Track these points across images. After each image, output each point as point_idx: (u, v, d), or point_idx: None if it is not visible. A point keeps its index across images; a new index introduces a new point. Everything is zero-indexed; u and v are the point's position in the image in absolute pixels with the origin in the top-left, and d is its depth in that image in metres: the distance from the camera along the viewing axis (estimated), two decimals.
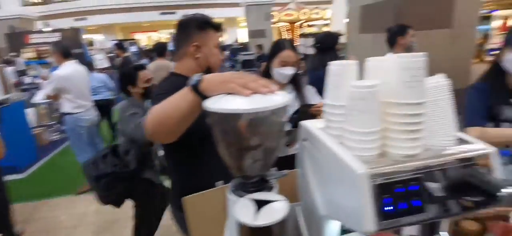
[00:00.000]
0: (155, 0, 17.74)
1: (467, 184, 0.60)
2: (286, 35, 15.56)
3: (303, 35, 8.28)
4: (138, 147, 1.98)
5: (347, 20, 3.70)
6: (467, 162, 0.62)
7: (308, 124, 0.84)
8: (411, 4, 2.76)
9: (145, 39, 20.06)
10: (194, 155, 1.17)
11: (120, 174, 1.95)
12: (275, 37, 16.70)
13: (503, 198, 0.53)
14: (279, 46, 1.73)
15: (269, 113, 0.69)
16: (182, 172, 1.25)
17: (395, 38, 2.65)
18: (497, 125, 1.40)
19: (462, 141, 0.68)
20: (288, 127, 1.52)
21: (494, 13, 14.21)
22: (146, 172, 2.10)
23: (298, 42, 8.69)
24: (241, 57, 6.22)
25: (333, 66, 0.70)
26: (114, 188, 1.96)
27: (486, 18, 13.72)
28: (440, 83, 0.66)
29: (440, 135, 0.65)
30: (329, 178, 0.71)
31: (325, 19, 15.25)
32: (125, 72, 2.22)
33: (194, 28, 1.24)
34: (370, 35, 3.25)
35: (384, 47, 2.98)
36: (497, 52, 1.46)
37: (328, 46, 2.71)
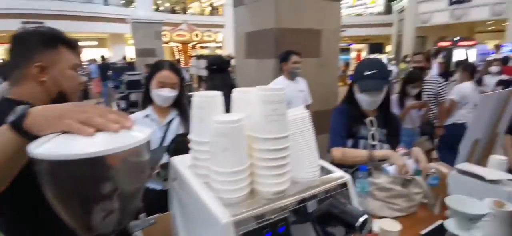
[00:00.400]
0: (15, 6, 14.53)
1: (330, 215, 0.61)
2: (178, 56, 15.26)
3: (195, 56, 8.26)
4: None
5: (234, 45, 3.85)
6: (331, 192, 0.64)
7: (177, 161, 0.74)
8: (287, 34, 3.07)
9: (2, 52, 16.15)
10: (28, 213, 0.90)
11: None
12: (167, 57, 16.15)
13: (359, 228, 0.56)
14: (157, 66, 1.61)
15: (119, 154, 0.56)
16: None
17: (280, 64, 2.89)
18: (356, 141, 1.62)
19: (324, 170, 0.70)
20: (164, 160, 1.39)
21: (352, 46, 17.70)
22: None
23: (190, 63, 8.58)
24: (126, 77, 5.66)
25: (196, 98, 0.64)
26: None
27: (346, 50, 16.96)
28: (302, 114, 0.68)
29: (305, 167, 0.66)
30: (196, 224, 0.62)
31: (217, 42, 15.75)
32: None
33: (37, 45, 0.99)
34: (255, 60, 3.45)
35: (269, 72, 3.21)
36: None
37: (220, 68, 2.70)
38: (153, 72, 1.60)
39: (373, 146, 1.61)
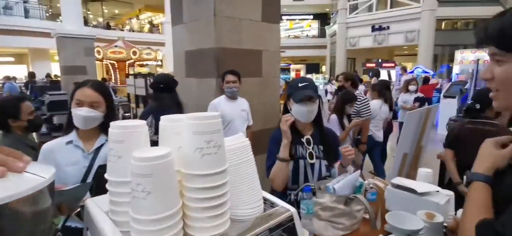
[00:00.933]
0: None
1: None
2: (113, 73, 14.24)
3: (133, 75, 7.73)
4: None
5: (173, 63, 3.68)
6: (276, 230, 0.56)
7: (91, 204, 0.60)
8: (228, 54, 3.04)
9: None
10: None
11: None
12: (100, 76, 14.92)
13: None
14: (78, 84, 1.41)
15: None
16: None
17: (222, 84, 2.82)
18: (296, 163, 1.62)
19: (266, 201, 0.64)
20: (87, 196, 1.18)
21: (291, 66, 18.64)
22: None
23: (126, 82, 8.02)
24: (48, 97, 4.99)
25: (113, 129, 0.52)
26: None
27: (286, 70, 17.80)
28: (242, 143, 0.60)
29: (247, 203, 0.59)
30: None
31: (157, 60, 15.14)
32: None
33: None
34: (195, 79, 3.33)
35: (210, 92, 3.12)
36: None
37: (168, 87, 2.51)
38: (74, 91, 1.39)
39: (312, 165, 1.62)
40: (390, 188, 1.42)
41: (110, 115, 1.41)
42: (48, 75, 12.20)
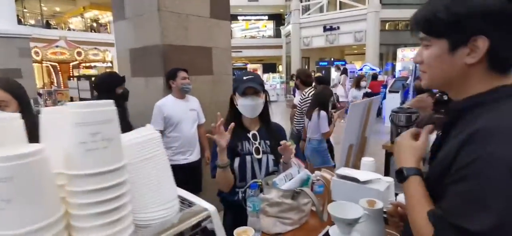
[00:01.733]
0: None
1: None
2: (55, 77, 13.04)
3: (76, 77, 7.11)
4: None
5: (117, 63, 3.43)
6: (190, 232, 0.49)
7: None
8: (175, 52, 2.90)
9: None
10: None
11: None
12: (38, 79, 13.54)
13: None
14: None
15: None
16: None
17: (168, 83, 2.66)
18: (242, 159, 1.56)
19: (184, 202, 0.56)
20: None
21: (248, 66, 18.69)
22: None
23: (68, 85, 7.39)
24: None
25: None
26: None
27: (243, 69, 17.81)
28: (149, 135, 0.52)
29: (157, 205, 0.51)
30: None
31: (106, 61, 14.16)
32: None
33: None
34: (142, 78, 3.13)
35: (158, 91, 2.94)
36: None
37: (109, 87, 2.28)
38: None
39: (259, 160, 1.58)
40: (335, 179, 1.43)
41: (25, 117, 1.23)
42: None
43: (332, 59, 15.85)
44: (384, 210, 1.12)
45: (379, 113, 7.42)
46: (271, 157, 1.61)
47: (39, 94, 9.49)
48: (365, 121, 1.94)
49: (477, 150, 0.56)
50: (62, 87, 12.12)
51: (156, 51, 2.85)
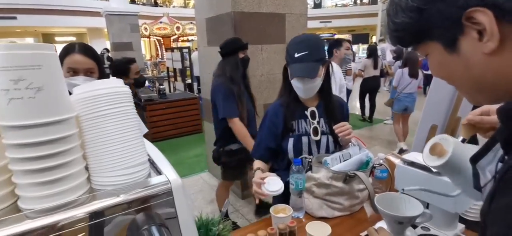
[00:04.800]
0: None
1: None
2: (159, 50, 14.84)
3: (170, 49, 7.90)
4: None
5: (197, 32, 3.60)
6: (145, 202, 0.43)
7: None
8: (247, 19, 2.84)
9: None
10: None
11: None
12: (146, 52, 15.62)
13: None
14: (66, 50, 1.35)
15: None
16: None
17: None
18: (297, 139, 1.37)
19: (157, 170, 0.49)
20: None
21: (336, 36, 17.55)
22: None
23: (165, 56, 8.28)
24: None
25: None
26: None
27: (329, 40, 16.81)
28: (112, 89, 0.46)
29: (114, 168, 0.45)
30: None
31: None
32: None
33: None
34: (217, 47, 3.21)
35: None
36: None
37: (233, 51, 2.38)
38: (61, 58, 1.35)
39: (318, 142, 1.40)
40: (401, 165, 1.17)
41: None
42: (107, 50, 13.09)
43: None
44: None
45: None
46: (331, 138, 1.42)
47: (146, 66, 11.00)
48: (459, 97, 1.53)
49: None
50: (165, 58, 13.76)
51: (228, 19, 2.86)
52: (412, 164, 1.15)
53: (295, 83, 1.33)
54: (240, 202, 3.22)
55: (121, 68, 2.81)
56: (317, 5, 21.06)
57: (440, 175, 1.02)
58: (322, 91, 1.39)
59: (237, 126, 2.18)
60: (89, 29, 16.56)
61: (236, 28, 2.82)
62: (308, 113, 1.40)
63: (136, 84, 2.91)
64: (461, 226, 1.08)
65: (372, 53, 5.70)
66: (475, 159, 0.50)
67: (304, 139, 1.39)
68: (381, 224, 0.90)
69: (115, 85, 0.45)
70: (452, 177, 0.73)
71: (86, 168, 0.44)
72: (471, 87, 0.47)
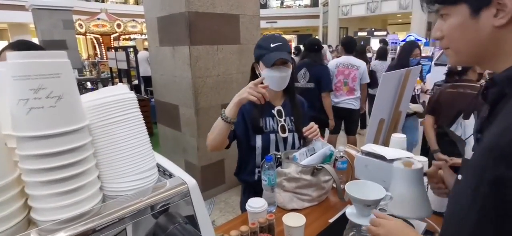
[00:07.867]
0: None
1: None
2: (98, 48, 13.74)
3: (114, 49, 7.38)
4: None
5: (147, 31, 3.45)
6: (164, 205, 0.43)
7: None
8: (201, 19, 2.82)
9: None
10: None
11: None
12: (83, 50, 14.35)
13: None
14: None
15: None
16: None
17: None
18: (266, 137, 1.43)
19: (165, 173, 0.50)
20: None
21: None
22: None
23: (107, 56, 7.72)
24: None
25: None
26: None
27: None
28: (120, 96, 0.46)
29: (129, 174, 0.45)
30: None
31: (144, 33, 14.55)
32: None
33: None
34: (169, 47, 3.12)
35: (184, 61, 2.92)
36: None
37: (318, 48, 2.88)
38: None
39: (285, 139, 1.47)
40: (359, 156, 1.31)
41: None
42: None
43: (373, 29, 14.81)
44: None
45: None
46: (296, 135, 1.49)
47: (84, 66, 10.08)
48: (400, 94, 1.75)
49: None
50: (105, 58, 12.76)
51: (182, 19, 2.80)
52: (370, 154, 1.29)
53: (271, 73, 1.35)
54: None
55: None
56: (263, 6, 21.57)
57: (394, 162, 1.17)
58: (287, 90, 1.47)
59: None
60: (11, 24, 14.60)
61: (190, 28, 2.78)
62: (275, 111, 1.47)
63: None
64: None
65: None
66: (480, 130, 0.61)
67: (272, 137, 1.45)
68: (349, 209, 1.00)
69: (124, 92, 0.44)
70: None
71: (98, 176, 0.43)
72: (468, 49, 0.60)
